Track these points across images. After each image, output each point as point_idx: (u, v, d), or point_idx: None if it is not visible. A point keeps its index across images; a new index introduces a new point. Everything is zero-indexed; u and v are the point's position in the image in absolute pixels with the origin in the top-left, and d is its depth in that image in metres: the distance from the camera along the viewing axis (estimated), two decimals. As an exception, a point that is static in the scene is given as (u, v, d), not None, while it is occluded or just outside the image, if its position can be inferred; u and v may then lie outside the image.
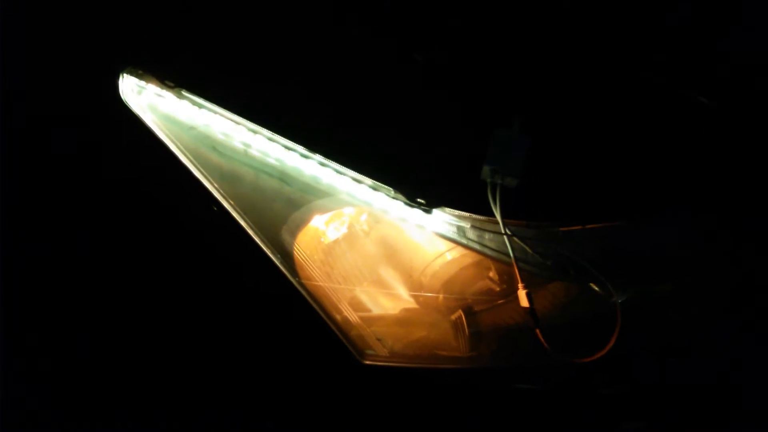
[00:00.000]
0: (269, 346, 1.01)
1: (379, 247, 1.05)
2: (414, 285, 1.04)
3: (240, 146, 0.97)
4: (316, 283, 0.98)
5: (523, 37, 1.18)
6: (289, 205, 0.98)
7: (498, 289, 1.02)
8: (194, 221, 0.98)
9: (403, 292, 1.04)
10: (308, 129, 0.97)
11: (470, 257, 1.01)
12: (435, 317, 1.04)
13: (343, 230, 1.04)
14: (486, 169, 0.94)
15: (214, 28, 1.05)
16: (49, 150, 1.03)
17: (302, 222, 0.99)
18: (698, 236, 1.07)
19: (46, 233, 1.06)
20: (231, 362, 1.03)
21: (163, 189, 0.98)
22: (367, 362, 0.99)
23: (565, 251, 0.98)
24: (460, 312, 1.01)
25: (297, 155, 0.96)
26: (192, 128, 0.96)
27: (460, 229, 0.98)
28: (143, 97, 0.96)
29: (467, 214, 0.97)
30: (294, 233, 0.99)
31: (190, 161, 0.95)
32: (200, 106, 0.96)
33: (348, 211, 1.04)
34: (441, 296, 1.03)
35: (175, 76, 0.97)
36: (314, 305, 0.97)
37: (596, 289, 0.99)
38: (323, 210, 1.01)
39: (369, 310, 1.04)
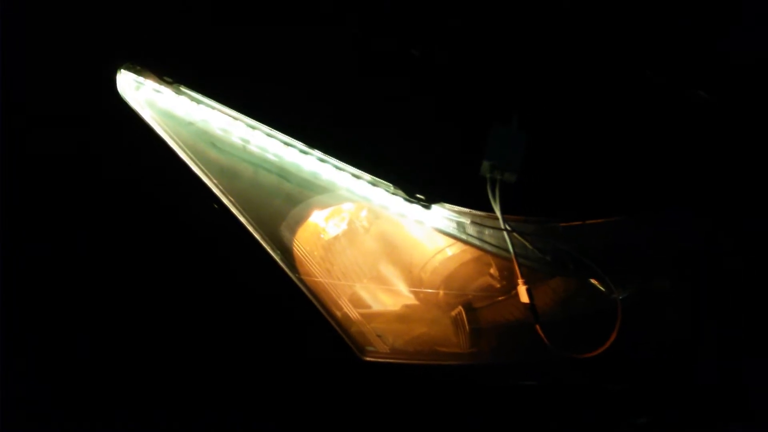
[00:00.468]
0: (269, 343, 1.00)
1: (379, 243, 1.05)
2: (414, 281, 1.04)
3: (239, 142, 0.97)
4: (315, 279, 0.98)
5: (522, 35, 1.18)
6: (288, 200, 0.98)
7: (498, 285, 1.02)
8: (193, 218, 0.98)
9: (403, 288, 1.04)
10: (308, 129, 0.97)
11: (470, 253, 1.01)
12: (435, 313, 1.03)
13: (343, 226, 1.04)
14: (485, 165, 0.94)
15: (214, 26, 1.05)
16: (46, 147, 1.02)
17: (302, 218, 0.99)
18: (698, 233, 1.07)
19: (45, 232, 1.06)
20: (231, 359, 1.03)
21: (162, 185, 0.98)
22: (368, 359, 0.99)
23: (565, 247, 0.98)
24: (461, 308, 1.01)
25: (296, 151, 0.96)
26: (190, 124, 0.96)
27: (459, 224, 0.98)
28: (141, 92, 0.96)
29: (467, 210, 0.97)
30: (293, 229, 0.98)
31: (189, 157, 0.94)
32: (199, 102, 0.96)
33: (347, 207, 1.04)
34: (441, 292, 1.02)
35: (173, 72, 0.97)
36: (314, 301, 0.96)
37: (597, 284, 0.99)
38: (323, 206, 1.01)
39: (369, 307, 1.04)
